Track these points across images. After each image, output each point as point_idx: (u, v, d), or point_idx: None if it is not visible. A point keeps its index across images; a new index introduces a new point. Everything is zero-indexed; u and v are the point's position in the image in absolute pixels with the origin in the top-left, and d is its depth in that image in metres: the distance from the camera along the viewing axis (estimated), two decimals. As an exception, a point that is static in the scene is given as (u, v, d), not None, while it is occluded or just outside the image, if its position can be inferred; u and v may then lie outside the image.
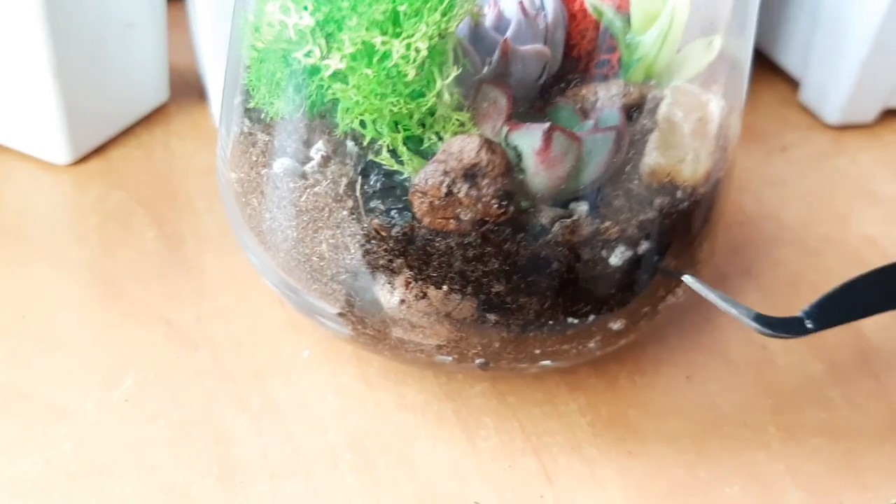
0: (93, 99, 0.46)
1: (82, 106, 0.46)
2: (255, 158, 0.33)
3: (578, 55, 0.37)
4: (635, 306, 0.34)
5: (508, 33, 0.34)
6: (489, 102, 0.32)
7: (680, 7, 0.35)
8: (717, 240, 0.37)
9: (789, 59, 0.60)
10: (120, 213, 0.44)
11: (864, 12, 0.52)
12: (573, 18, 0.37)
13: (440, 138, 0.31)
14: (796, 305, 0.33)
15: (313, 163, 0.33)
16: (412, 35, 0.28)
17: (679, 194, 0.33)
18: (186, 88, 0.54)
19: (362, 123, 0.31)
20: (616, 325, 0.34)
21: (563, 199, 0.32)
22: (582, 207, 0.32)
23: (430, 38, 0.28)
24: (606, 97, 0.35)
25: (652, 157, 0.33)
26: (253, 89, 0.34)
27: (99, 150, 0.48)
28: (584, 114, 0.34)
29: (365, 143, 0.32)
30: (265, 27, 0.31)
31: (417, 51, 0.28)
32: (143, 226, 0.44)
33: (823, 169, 0.54)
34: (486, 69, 0.33)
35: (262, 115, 0.34)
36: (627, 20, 0.36)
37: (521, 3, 0.34)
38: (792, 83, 0.60)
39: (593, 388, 0.38)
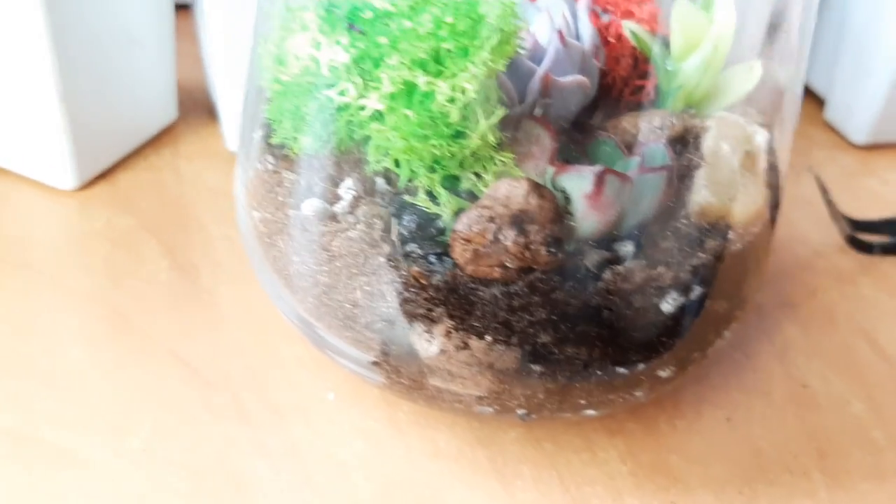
0: (99, 121, 0.44)
1: (88, 128, 0.44)
2: (281, 199, 0.31)
3: (611, 82, 0.36)
4: (685, 352, 0.32)
5: (547, 64, 0.32)
6: (531, 140, 0.30)
7: (724, 34, 0.33)
8: (764, 276, 0.36)
9: (814, 77, 0.58)
10: (129, 241, 0.42)
11: (893, 30, 0.51)
12: (605, 43, 0.35)
13: (479, 177, 0.29)
14: (836, 339, 0.31)
15: (343, 203, 0.31)
16: (457, 75, 0.26)
17: (731, 235, 0.31)
18: (195, 106, 0.52)
19: (396, 163, 0.29)
20: (665, 373, 0.32)
21: (607, 241, 0.30)
22: (627, 248, 0.30)
23: (478, 78, 0.26)
24: (649, 129, 0.33)
25: (702, 196, 0.31)
26: (276, 123, 0.32)
27: (105, 174, 0.46)
28: (628, 148, 0.32)
29: (398, 183, 0.30)
30: (292, 60, 0.29)
31: (464, 91, 0.26)
32: (153, 254, 0.42)
33: (852, 188, 0.52)
34: (523, 103, 0.31)
35: (286, 151, 0.32)
36: (666, 45, 0.34)
37: (559, 31, 0.32)
38: (817, 101, 0.58)
39: (632, 433, 0.36)
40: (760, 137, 0.33)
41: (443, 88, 0.26)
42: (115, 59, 0.44)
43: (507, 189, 0.27)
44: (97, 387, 0.35)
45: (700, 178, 0.31)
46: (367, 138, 0.30)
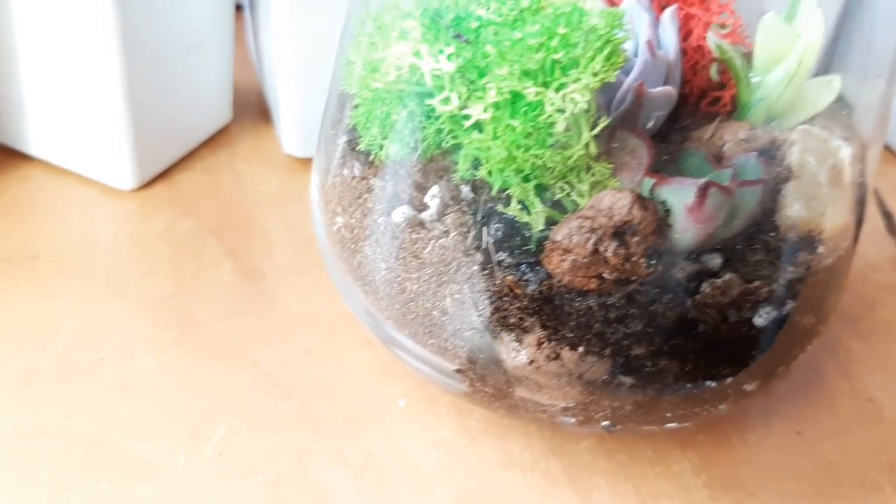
0: (160, 122, 0.44)
1: (149, 129, 0.43)
2: (370, 205, 0.31)
3: (688, 92, 0.35)
4: (771, 366, 0.32)
5: (636, 74, 0.31)
6: (627, 152, 0.29)
7: (811, 47, 0.33)
8: (844, 290, 0.36)
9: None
10: (191, 244, 0.42)
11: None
12: (683, 53, 0.35)
13: (571, 188, 0.29)
14: None
15: (431, 211, 0.31)
16: (567, 86, 0.26)
17: (821, 249, 0.31)
18: (247, 108, 0.51)
19: (490, 172, 0.29)
20: (750, 386, 0.32)
21: (701, 253, 0.30)
22: (720, 261, 0.30)
23: (589, 89, 0.26)
24: (734, 141, 0.33)
25: (793, 210, 0.31)
26: (363, 130, 0.32)
27: (163, 175, 0.46)
28: (717, 160, 0.32)
29: (490, 191, 0.30)
30: (388, 67, 0.29)
31: (574, 103, 0.26)
32: (216, 257, 0.42)
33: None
34: (614, 113, 0.31)
35: (371, 158, 0.32)
36: (747, 57, 0.34)
37: (649, 41, 0.32)
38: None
39: (704, 446, 0.36)
40: (845, 151, 0.33)
41: (553, 99, 0.25)
42: (177, 61, 0.44)
43: (610, 200, 0.27)
44: (170, 393, 0.35)
45: (789, 192, 0.31)
46: (457, 146, 0.30)
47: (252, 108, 0.52)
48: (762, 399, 0.38)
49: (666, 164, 0.31)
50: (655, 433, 0.36)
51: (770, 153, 0.32)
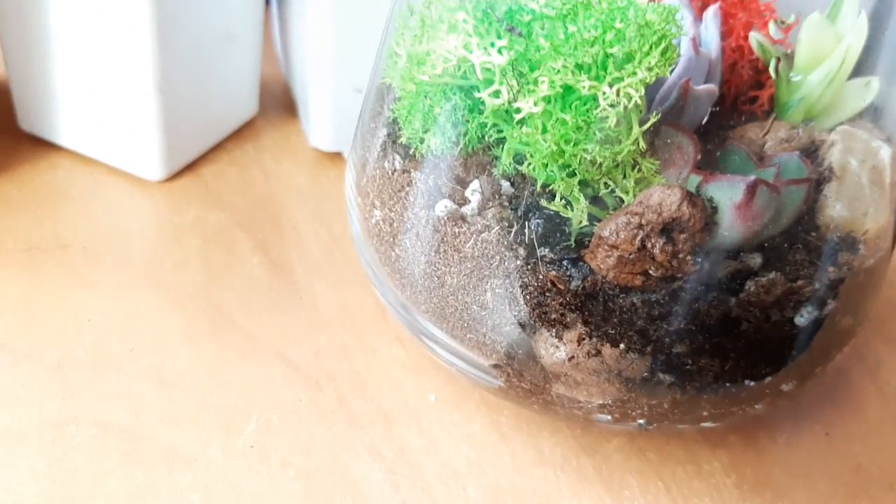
0: (190, 113, 0.44)
1: (180, 120, 0.43)
2: (411, 198, 0.31)
3: (727, 90, 0.35)
4: (809, 366, 0.32)
5: (680, 70, 0.31)
6: (673, 148, 0.29)
7: (853, 48, 0.33)
8: (882, 291, 0.36)
9: None
10: (221, 236, 0.42)
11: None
12: (722, 52, 0.35)
13: (616, 184, 0.29)
14: None
15: (472, 205, 0.31)
16: (621, 80, 0.26)
17: (862, 250, 0.31)
18: (271, 102, 0.51)
19: (532, 166, 0.29)
20: (787, 386, 0.32)
21: (744, 251, 0.30)
22: (756, 259, 0.30)
23: (644, 84, 0.26)
24: (775, 140, 0.33)
25: (835, 210, 0.31)
26: (405, 123, 0.32)
27: (190, 167, 0.46)
28: (759, 158, 0.32)
29: (532, 186, 0.30)
30: (435, 60, 0.29)
31: (629, 97, 0.26)
32: (246, 250, 0.41)
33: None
34: (659, 109, 0.31)
35: (412, 151, 0.32)
36: (787, 57, 0.34)
37: (693, 38, 0.32)
38: None
39: (734, 446, 0.36)
40: (885, 152, 0.33)
41: (608, 93, 0.25)
42: (210, 53, 0.44)
43: (660, 196, 0.27)
44: (202, 384, 0.35)
45: (831, 192, 0.31)
46: (500, 140, 0.30)
47: (276, 102, 0.52)
48: (791, 400, 0.38)
49: (707, 161, 0.31)
50: (686, 433, 0.36)
51: (811, 153, 0.32)
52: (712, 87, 0.32)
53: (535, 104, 0.27)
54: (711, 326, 0.29)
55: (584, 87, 0.26)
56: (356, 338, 0.38)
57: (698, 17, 0.35)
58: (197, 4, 0.42)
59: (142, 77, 0.41)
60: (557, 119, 0.27)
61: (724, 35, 0.35)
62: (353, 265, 0.42)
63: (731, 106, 0.36)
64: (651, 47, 0.25)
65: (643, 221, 0.27)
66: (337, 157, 0.48)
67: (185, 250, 0.41)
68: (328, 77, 0.45)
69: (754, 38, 0.33)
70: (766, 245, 0.30)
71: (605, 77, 0.26)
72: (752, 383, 0.31)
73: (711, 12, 0.33)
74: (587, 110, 0.26)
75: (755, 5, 0.35)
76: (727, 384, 0.30)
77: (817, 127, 0.33)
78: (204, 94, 0.44)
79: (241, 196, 0.45)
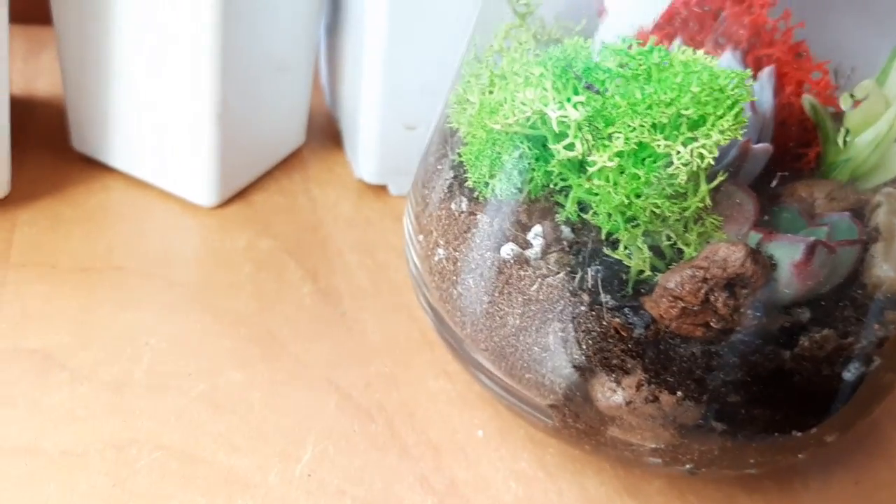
0: (243, 142, 0.45)
1: (234, 148, 0.44)
2: (477, 240, 0.32)
3: (776, 147, 0.37)
4: (852, 419, 0.33)
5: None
6: (734, 205, 0.31)
7: (902, 113, 0.34)
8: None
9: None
10: (271, 263, 0.43)
11: None
12: (775, 110, 0.36)
13: (678, 237, 0.30)
14: None
15: (535, 249, 0.32)
16: (694, 140, 0.27)
17: (908, 309, 0.32)
18: (317, 132, 0.53)
19: (598, 215, 0.30)
20: (830, 438, 0.33)
21: (797, 307, 0.31)
22: (806, 315, 0.31)
23: (717, 146, 0.27)
24: (823, 199, 0.34)
25: (882, 270, 0.32)
26: (471, 167, 0.33)
27: (240, 194, 0.47)
28: (810, 216, 0.33)
29: (595, 234, 0.31)
30: (509, 111, 0.30)
31: (702, 157, 0.27)
32: (296, 278, 0.42)
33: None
34: (719, 168, 0.32)
35: (476, 195, 0.33)
36: (836, 118, 0.35)
37: (751, 103, 0.33)
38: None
39: (769, 491, 0.37)
40: (928, 215, 0.34)
41: (682, 153, 0.27)
42: (266, 83, 0.45)
43: (725, 252, 0.28)
44: (258, 410, 0.36)
45: (877, 252, 0.32)
46: (565, 188, 0.31)
47: (322, 132, 0.53)
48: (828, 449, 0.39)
49: (760, 217, 0.33)
50: (725, 477, 0.37)
51: (858, 214, 0.33)
52: (768, 146, 0.33)
53: (610, 159, 0.28)
54: (765, 378, 0.30)
55: (659, 146, 0.27)
56: (404, 369, 0.39)
57: (752, 74, 0.36)
58: (257, 34, 0.43)
59: (201, 104, 0.42)
60: (630, 173, 0.28)
61: (776, 92, 0.36)
62: (399, 295, 0.43)
63: (778, 162, 0.37)
64: (725, 111, 0.27)
65: (708, 276, 0.28)
66: (381, 189, 0.49)
67: (237, 276, 0.42)
68: (378, 113, 0.46)
69: (808, 100, 0.35)
70: (816, 301, 0.31)
71: (677, 137, 0.27)
72: (799, 433, 0.32)
73: (767, 73, 0.35)
74: (659, 167, 0.28)
75: (808, 64, 0.37)
76: (775, 433, 0.31)
77: (862, 186, 0.35)
78: (258, 122, 0.46)
79: (290, 224, 0.46)
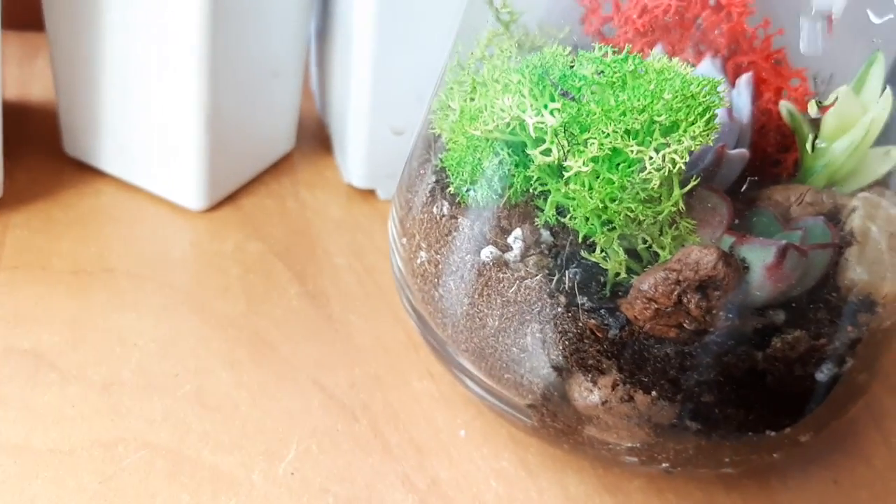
0: (233, 146, 0.46)
1: (224, 153, 0.45)
2: (458, 243, 0.33)
3: (754, 153, 0.37)
4: (825, 419, 0.34)
5: (716, 136, 0.33)
6: (708, 209, 0.31)
7: (878, 119, 0.35)
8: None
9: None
10: (260, 266, 0.44)
11: None
12: (753, 116, 0.37)
13: (653, 240, 0.31)
14: None
15: (515, 252, 0.32)
16: (666, 146, 0.28)
17: (880, 311, 0.33)
18: (307, 136, 0.53)
19: (575, 219, 0.31)
20: (804, 437, 0.33)
21: (769, 309, 0.31)
22: (780, 316, 0.32)
23: (689, 151, 0.28)
24: (800, 204, 0.35)
25: (856, 273, 0.33)
26: (453, 172, 0.34)
27: (230, 198, 0.47)
28: (785, 220, 0.34)
29: (573, 237, 0.32)
30: (489, 117, 0.31)
31: (674, 162, 0.28)
32: (284, 281, 0.43)
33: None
34: (695, 172, 0.32)
35: (458, 199, 0.34)
36: (813, 124, 0.36)
37: (728, 109, 0.34)
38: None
39: (747, 490, 0.38)
40: (903, 219, 0.35)
41: (654, 158, 0.27)
42: (255, 88, 0.46)
43: (697, 255, 0.29)
44: (244, 410, 0.36)
45: (852, 256, 0.33)
46: (544, 193, 0.32)
47: (311, 137, 0.54)
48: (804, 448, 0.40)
49: (736, 221, 0.33)
50: (705, 476, 0.38)
51: (833, 218, 0.34)
52: (744, 152, 0.34)
53: (585, 164, 0.28)
54: (738, 378, 0.30)
55: (632, 151, 0.28)
56: (389, 369, 0.40)
57: (731, 81, 0.37)
58: (247, 41, 0.44)
59: (190, 109, 0.43)
60: (604, 178, 0.29)
61: (754, 98, 0.37)
62: (386, 298, 0.43)
63: (756, 167, 0.37)
64: (696, 118, 0.27)
65: (681, 278, 0.29)
66: (369, 193, 0.50)
67: (226, 278, 0.43)
68: (366, 118, 0.47)
69: (784, 106, 0.36)
70: (790, 303, 0.31)
71: (650, 142, 0.28)
72: (773, 433, 0.32)
73: (745, 80, 0.35)
74: (632, 172, 0.28)
75: (787, 70, 0.37)
76: (749, 433, 0.32)
77: (839, 191, 0.35)
78: (247, 127, 0.46)
79: (279, 227, 0.46)
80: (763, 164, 0.38)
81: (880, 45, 0.35)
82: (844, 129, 0.35)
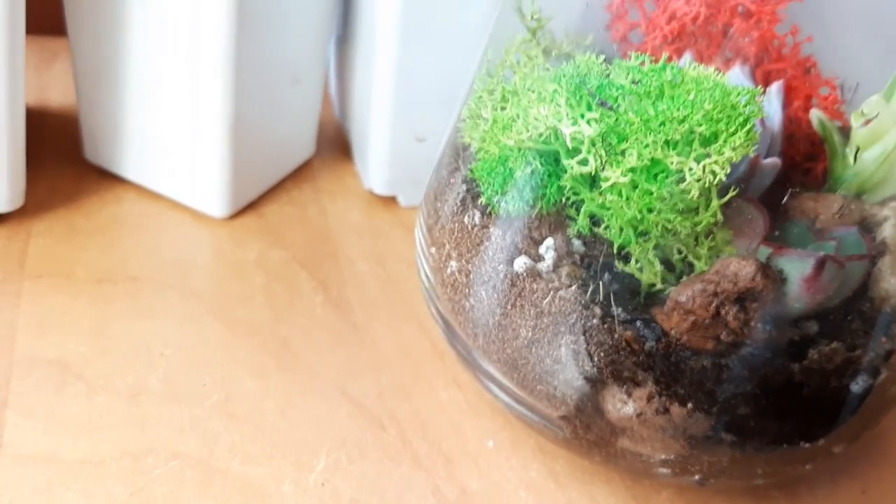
0: (255, 153, 0.46)
1: (246, 160, 0.45)
2: (490, 253, 0.33)
3: (783, 163, 0.37)
4: (858, 430, 0.33)
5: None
6: (745, 220, 0.31)
7: (909, 129, 0.34)
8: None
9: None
10: (283, 274, 0.44)
11: None
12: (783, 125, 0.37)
13: (689, 250, 0.31)
14: None
15: (547, 262, 0.32)
16: (707, 156, 0.28)
17: (914, 322, 0.33)
18: (327, 143, 0.53)
19: (610, 229, 0.31)
20: (838, 449, 0.33)
21: (805, 321, 0.31)
22: (814, 328, 0.31)
23: (730, 162, 0.27)
24: (829, 214, 0.35)
25: (889, 283, 0.32)
26: (484, 181, 0.33)
27: (252, 205, 0.47)
28: (817, 231, 0.34)
29: (607, 247, 0.31)
30: (522, 127, 0.31)
31: (714, 174, 0.27)
32: (308, 289, 0.43)
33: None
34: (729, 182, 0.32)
35: (489, 209, 0.33)
36: (844, 133, 0.35)
37: (761, 118, 0.34)
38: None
39: (776, 500, 0.38)
40: (935, 229, 0.35)
41: (694, 169, 0.27)
42: (278, 95, 0.45)
43: (736, 267, 0.29)
44: (272, 420, 0.36)
45: (885, 266, 0.33)
46: (577, 203, 0.32)
47: (331, 143, 0.54)
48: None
49: (776, 233, 0.33)
50: (734, 487, 0.38)
51: (865, 228, 0.34)
52: (777, 161, 0.33)
53: (623, 174, 0.28)
54: (774, 390, 0.30)
55: (672, 162, 0.28)
56: (415, 378, 0.40)
57: (761, 88, 0.36)
58: (270, 48, 0.44)
59: (214, 116, 0.43)
60: (643, 189, 0.28)
61: (784, 107, 0.37)
62: (410, 305, 0.43)
63: (786, 176, 0.37)
64: (737, 128, 0.27)
65: (719, 290, 0.29)
66: (390, 200, 0.50)
67: (250, 286, 0.43)
68: (388, 124, 0.47)
69: (815, 115, 0.35)
70: (826, 315, 0.31)
71: (690, 153, 0.28)
72: (807, 444, 0.32)
73: (776, 89, 0.35)
74: (671, 182, 0.28)
75: (816, 79, 0.37)
76: (784, 445, 0.32)
77: (868, 200, 0.35)
78: (269, 134, 0.46)
79: (301, 235, 0.46)
80: (792, 173, 0.37)
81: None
82: (876, 138, 0.35)
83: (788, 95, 0.37)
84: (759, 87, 0.37)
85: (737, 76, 0.37)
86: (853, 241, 0.32)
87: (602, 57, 0.32)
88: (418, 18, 0.44)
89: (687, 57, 0.37)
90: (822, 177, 0.37)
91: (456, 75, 0.40)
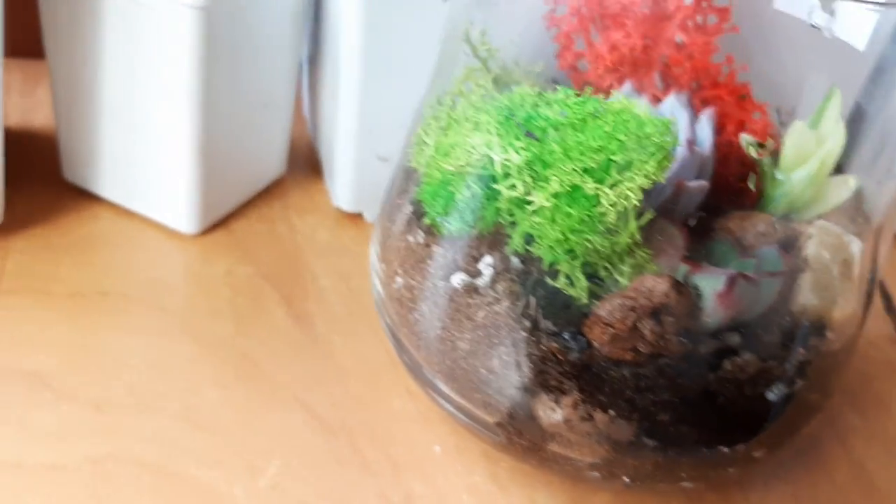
0: (225, 173, 0.48)
1: (215, 179, 0.47)
2: (432, 270, 0.35)
3: (714, 183, 0.39)
4: (779, 436, 0.35)
5: (676, 169, 0.35)
6: (664, 239, 0.33)
7: (832, 151, 0.37)
8: (849, 370, 0.39)
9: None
10: (249, 288, 0.46)
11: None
12: (715, 148, 0.39)
13: (614, 268, 0.33)
14: (891, 425, 0.34)
15: (485, 278, 0.34)
16: (622, 183, 0.30)
17: (829, 335, 0.35)
18: (298, 161, 0.55)
19: (542, 248, 0.33)
20: (758, 454, 0.35)
21: (722, 333, 0.33)
22: (734, 339, 0.34)
23: (641, 189, 0.30)
24: (754, 233, 0.37)
25: (807, 298, 0.35)
26: (428, 204, 0.36)
27: (222, 222, 0.49)
28: (742, 249, 0.36)
29: (539, 264, 0.33)
30: (460, 154, 0.33)
31: (627, 199, 0.30)
32: (272, 303, 0.45)
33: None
34: (654, 204, 0.34)
35: (433, 228, 0.36)
36: (774, 156, 0.38)
37: (689, 140, 0.36)
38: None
39: (709, 502, 0.39)
40: (855, 247, 0.37)
41: (609, 195, 0.29)
42: (246, 118, 0.48)
43: (651, 283, 0.31)
44: (230, 427, 0.38)
45: (805, 282, 0.35)
46: (512, 224, 0.34)
47: (303, 161, 0.56)
48: (763, 464, 0.42)
49: (696, 248, 0.35)
50: (667, 490, 0.40)
51: (789, 245, 0.36)
52: (704, 184, 0.36)
53: (546, 199, 0.30)
54: (691, 398, 0.32)
55: (588, 188, 0.30)
56: (370, 388, 0.42)
57: (697, 114, 0.39)
58: (239, 75, 0.46)
59: (184, 139, 0.45)
60: (565, 212, 0.31)
61: (718, 129, 0.39)
62: (368, 319, 0.45)
63: (720, 196, 0.39)
64: (649, 157, 0.29)
65: (636, 305, 0.31)
66: (357, 217, 0.52)
67: (217, 300, 0.45)
68: (354, 145, 0.49)
69: (745, 139, 0.37)
70: (744, 328, 0.33)
71: (607, 180, 0.30)
72: (727, 449, 0.34)
73: (706, 116, 0.37)
74: (590, 207, 0.30)
75: (750, 104, 0.39)
76: (704, 449, 0.34)
77: (799, 218, 0.37)
78: (238, 155, 0.48)
79: (269, 251, 0.48)
80: (727, 194, 0.39)
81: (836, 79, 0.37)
82: (801, 160, 0.37)
83: (722, 120, 0.39)
84: (687, 112, 0.39)
85: (671, 104, 0.39)
86: (772, 259, 0.35)
87: (537, 89, 0.34)
88: (381, 43, 0.46)
89: (626, 86, 0.39)
90: (756, 197, 0.39)
91: (419, 99, 0.42)
